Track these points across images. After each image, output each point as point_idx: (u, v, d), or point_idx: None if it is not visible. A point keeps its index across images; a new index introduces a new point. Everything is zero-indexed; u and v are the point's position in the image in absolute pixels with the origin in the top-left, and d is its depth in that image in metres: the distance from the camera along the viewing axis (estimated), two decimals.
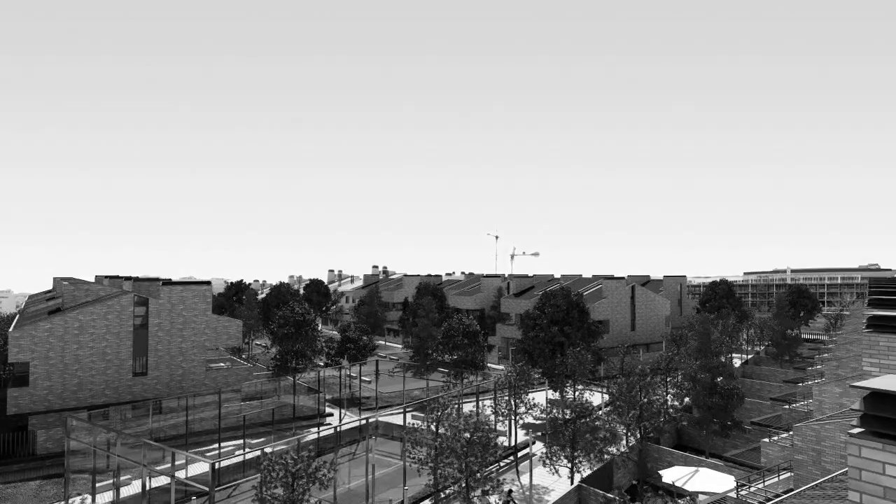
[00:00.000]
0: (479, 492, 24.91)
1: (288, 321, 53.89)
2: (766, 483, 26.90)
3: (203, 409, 49.73)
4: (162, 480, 36.30)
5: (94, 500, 29.05)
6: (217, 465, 36.67)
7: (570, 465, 33.63)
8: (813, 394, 30.82)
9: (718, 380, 39.19)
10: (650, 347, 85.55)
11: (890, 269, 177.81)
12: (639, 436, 30.45)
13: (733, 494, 24.10)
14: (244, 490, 36.76)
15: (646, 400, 28.39)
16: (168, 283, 48.53)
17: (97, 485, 33.74)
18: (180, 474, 37.58)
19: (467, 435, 25.55)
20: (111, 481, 34.14)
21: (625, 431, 29.80)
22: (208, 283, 50.02)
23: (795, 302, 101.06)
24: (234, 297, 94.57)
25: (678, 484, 30.29)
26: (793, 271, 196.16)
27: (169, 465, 39.32)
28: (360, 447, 45.83)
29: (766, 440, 31.38)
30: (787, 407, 39.52)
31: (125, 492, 34.09)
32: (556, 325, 52.61)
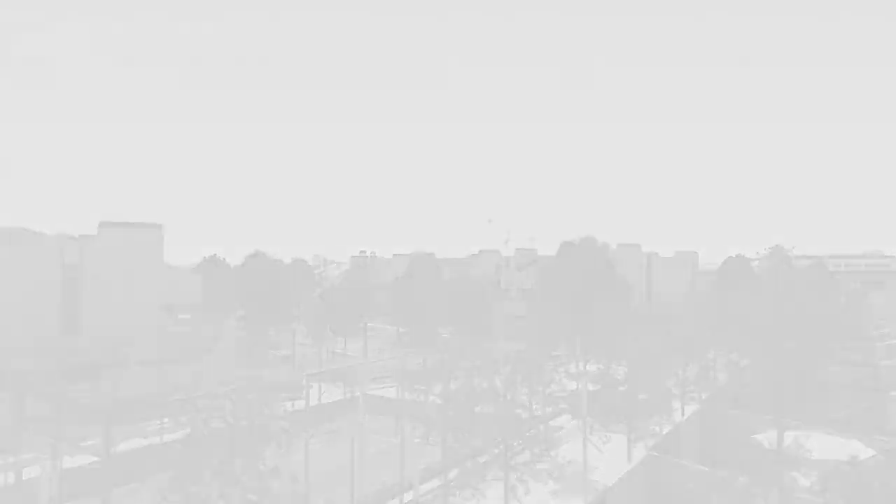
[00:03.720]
0: (527, 454, 16.40)
1: (258, 274, 45.03)
2: None
3: (153, 380, 40.69)
4: (83, 460, 27.36)
5: None
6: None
7: (626, 433, 25.17)
8: None
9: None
10: None
11: (894, 256, 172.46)
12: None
13: None
14: None
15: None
16: (108, 224, 39.40)
17: None
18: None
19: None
20: None
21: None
22: (160, 226, 40.95)
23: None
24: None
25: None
26: (794, 258, 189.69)
27: (93, 441, 30.28)
28: (346, 426, 37.13)
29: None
30: (885, 363, 31.67)
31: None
32: (580, 279, 44.27)
